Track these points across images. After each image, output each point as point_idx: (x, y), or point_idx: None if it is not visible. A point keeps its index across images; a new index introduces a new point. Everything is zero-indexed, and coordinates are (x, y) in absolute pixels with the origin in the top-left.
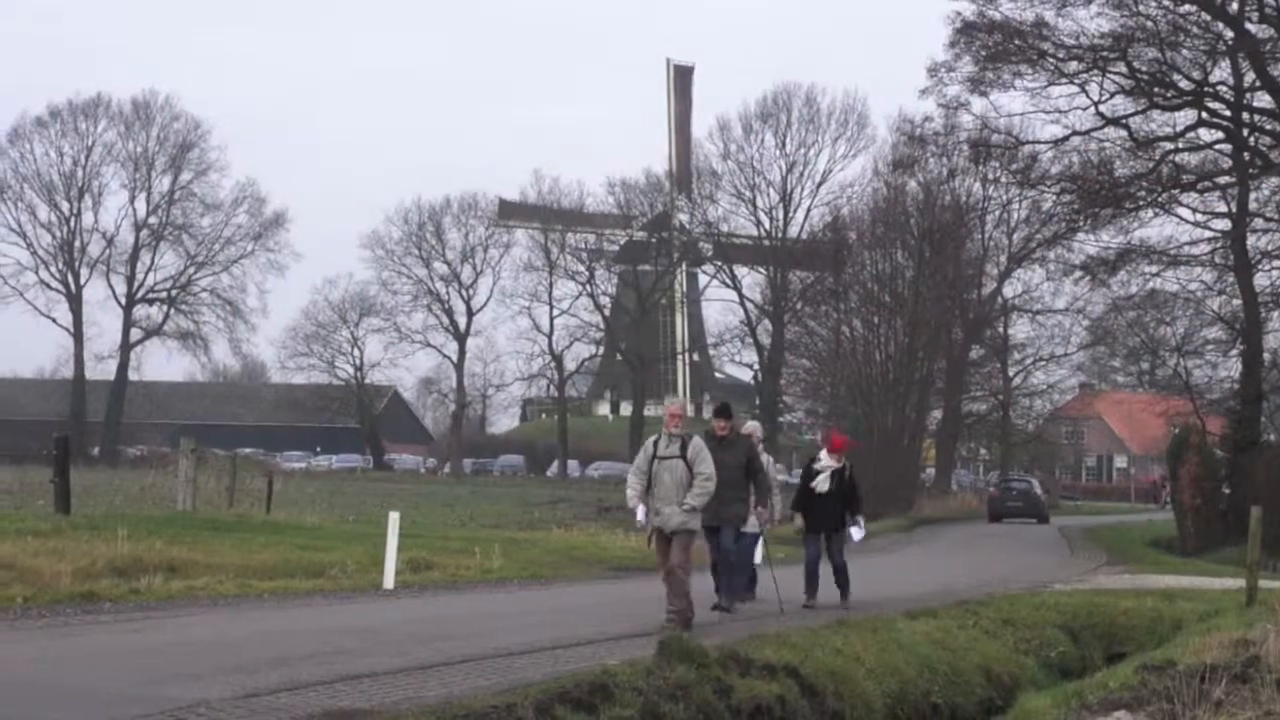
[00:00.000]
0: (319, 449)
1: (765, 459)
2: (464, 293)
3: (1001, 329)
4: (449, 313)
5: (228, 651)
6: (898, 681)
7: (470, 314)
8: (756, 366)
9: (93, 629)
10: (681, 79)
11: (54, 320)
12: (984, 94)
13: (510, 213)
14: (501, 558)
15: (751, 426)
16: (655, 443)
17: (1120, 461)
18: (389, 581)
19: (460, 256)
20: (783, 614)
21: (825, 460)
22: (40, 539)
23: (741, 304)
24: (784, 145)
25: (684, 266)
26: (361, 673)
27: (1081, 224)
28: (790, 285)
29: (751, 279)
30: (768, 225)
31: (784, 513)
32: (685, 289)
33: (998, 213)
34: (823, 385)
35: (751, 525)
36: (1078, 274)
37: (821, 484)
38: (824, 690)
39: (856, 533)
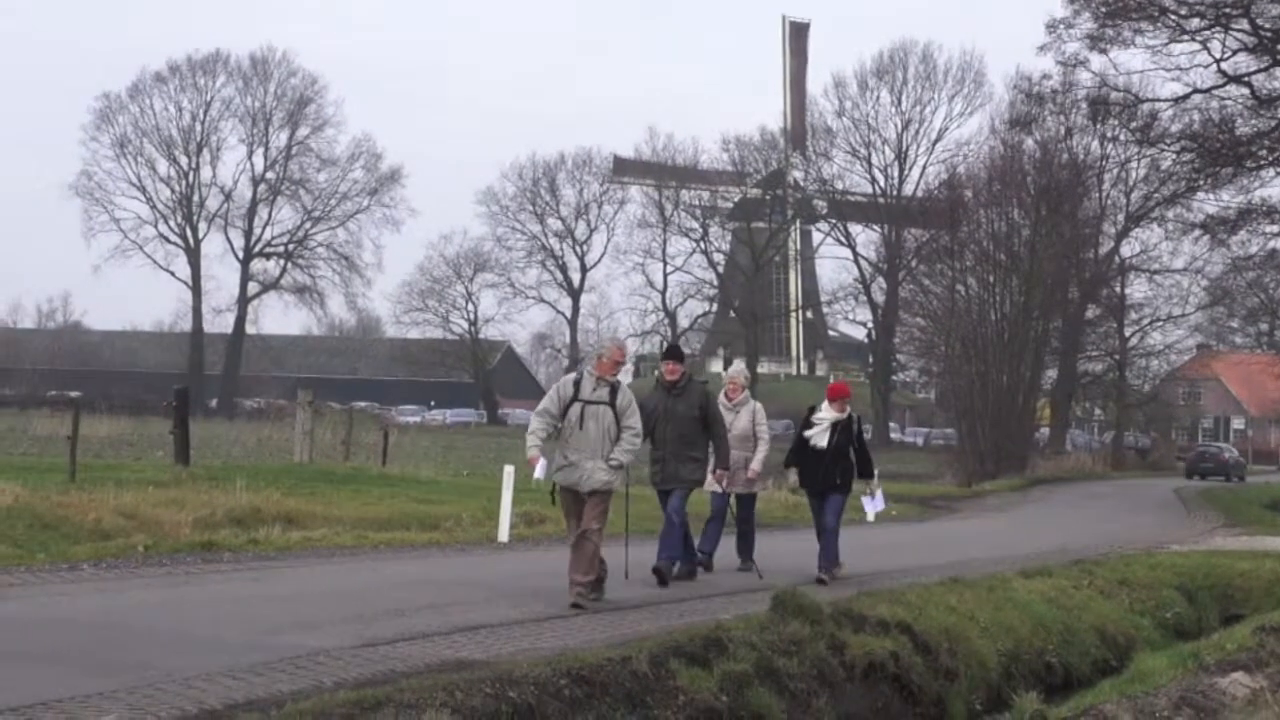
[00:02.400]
0: (433, 403)
1: (754, 407)
2: (578, 249)
3: (1118, 288)
4: (563, 269)
5: (345, 601)
6: (1012, 640)
7: (584, 270)
8: (870, 324)
9: (212, 578)
10: (797, 36)
11: (173, 274)
12: (1103, 51)
13: (625, 169)
14: (615, 512)
15: (736, 370)
16: (577, 383)
17: (1238, 423)
18: (504, 535)
19: (574, 213)
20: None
21: (825, 411)
22: (161, 489)
23: (855, 261)
24: (900, 103)
25: (798, 224)
26: (478, 624)
27: (1201, 183)
28: (905, 243)
29: (866, 236)
30: (882, 183)
31: (762, 472)
32: (799, 246)
33: (1116, 171)
34: (937, 344)
35: (711, 485)
36: (1196, 233)
37: (818, 438)
38: (938, 648)
39: (871, 505)
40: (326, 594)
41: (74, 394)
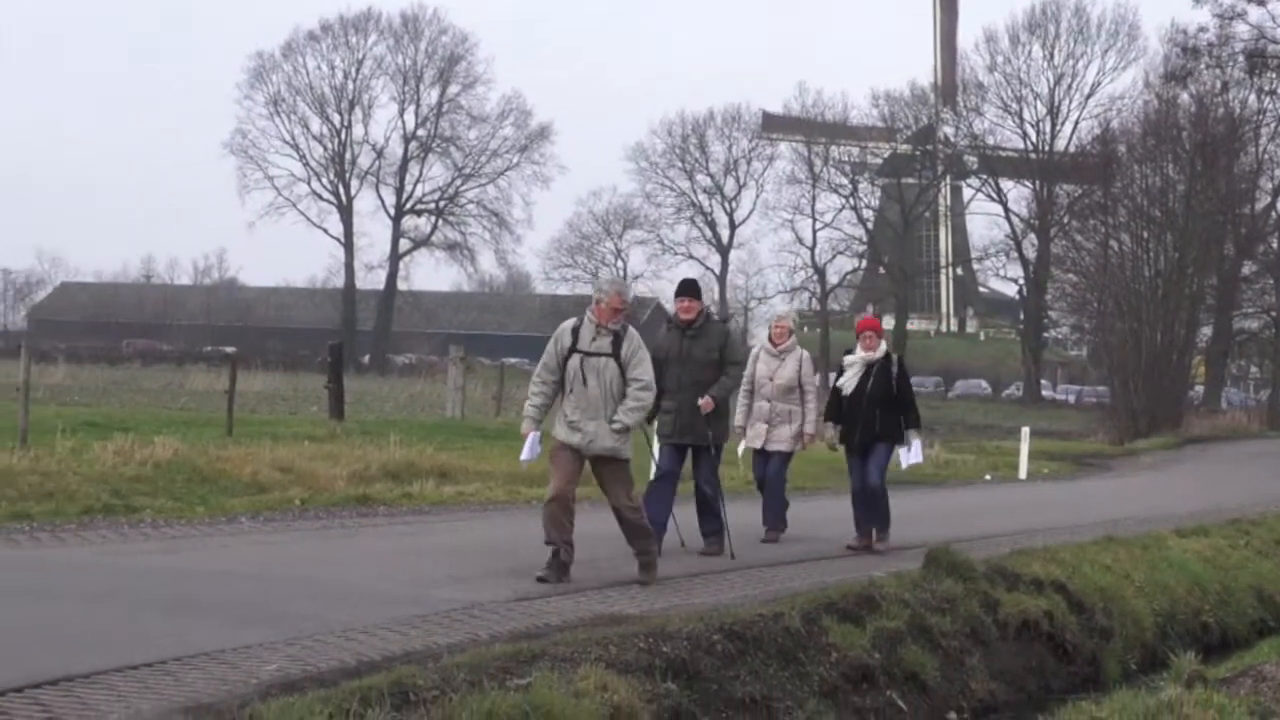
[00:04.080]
0: None
1: (801, 355)
2: (727, 205)
3: (1275, 244)
4: (712, 225)
5: (498, 556)
6: (1167, 599)
7: (733, 226)
8: (1021, 281)
9: (367, 531)
10: None
11: (325, 231)
12: (1261, 3)
13: (774, 125)
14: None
15: (784, 312)
16: (575, 331)
17: None
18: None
19: (723, 169)
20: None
21: (857, 353)
22: (316, 443)
23: (1006, 218)
24: (1052, 57)
25: (948, 180)
26: (630, 578)
27: None
28: (1057, 199)
29: (1017, 193)
30: (1034, 138)
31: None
32: (949, 202)
33: (1273, 125)
34: (1089, 301)
35: (752, 441)
36: None
37: (847, 383)
38: (1092, 607)
39: (906, 456)
40: (480, 548)
41: (229, 350)
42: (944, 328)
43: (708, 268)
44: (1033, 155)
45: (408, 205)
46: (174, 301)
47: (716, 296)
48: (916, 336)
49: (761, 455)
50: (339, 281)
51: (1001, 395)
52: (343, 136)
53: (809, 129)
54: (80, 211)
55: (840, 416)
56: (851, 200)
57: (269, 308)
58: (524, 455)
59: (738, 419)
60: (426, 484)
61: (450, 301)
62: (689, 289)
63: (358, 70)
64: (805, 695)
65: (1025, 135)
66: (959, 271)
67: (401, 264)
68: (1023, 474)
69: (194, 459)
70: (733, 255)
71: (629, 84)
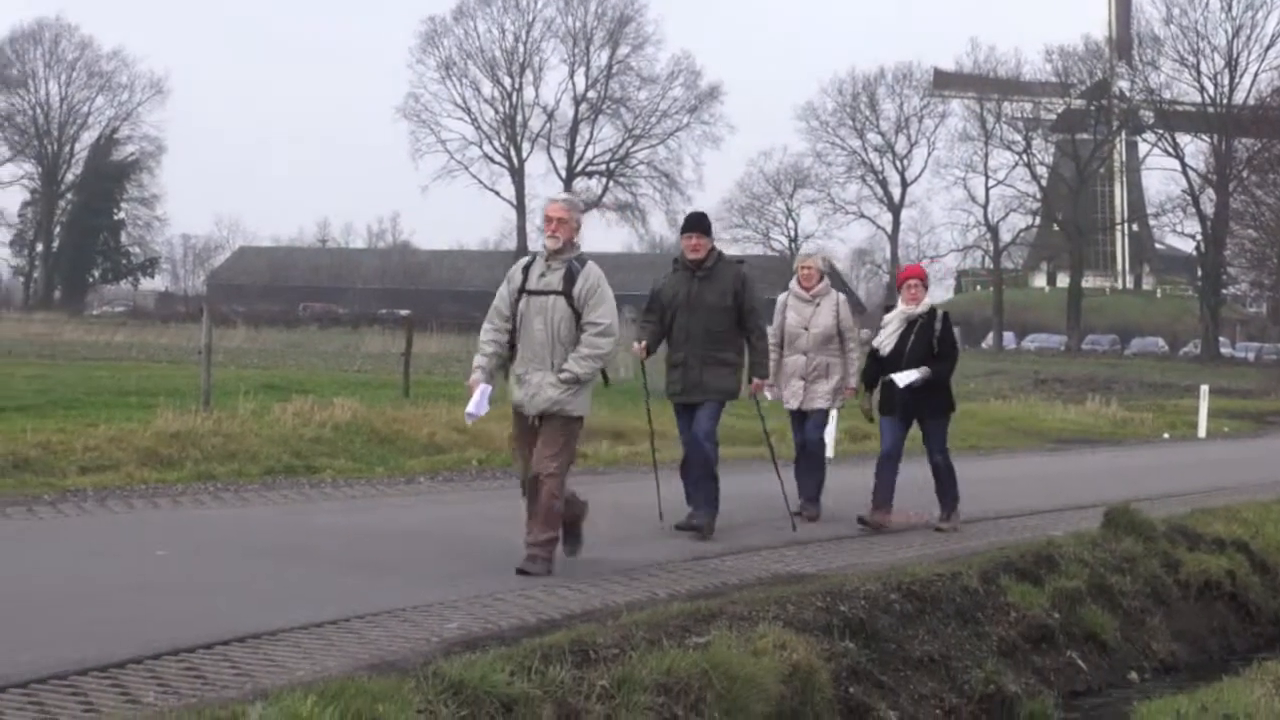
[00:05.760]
0: None
1: (837, 300)
2: (898, 163)
3: None
4: (883, 184)
5: (675, 515)
6: None
7: (904, 185)
8: (1199, 237)
9: None
10: None
11: (497, 193)
12: None
13: (945, 82)
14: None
15: (812, 250)
16: (526, 268)
17: None
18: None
19: (894, 127)
20: (796, 530)
21: (897, 307)
22: (491, 404)
23: (1184, 173)
24: (1230, 8)
25: (1123, 135)
26: (807, 539)
27: None
28: (1235, 153)
29: (1194, 147)
30: (1212, 91)
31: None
32: (1125, 158)
33: None
34: (1269, 256)
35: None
36: None
37: (885, 342)
38: (1276, 567)
39: (902, 377)
40: (652, 507)
41: (404, 312)
42: (1119, 285)
43: (879, 226)
44: (1210, 109)
45: (579, 167)
46: (349, 265)
47: (888, 255)
48: (1092, 294)
49: (800, 416)
50: (511, 244)
51: (1179, 353)
52: (514, 99)
53: (981, 85)
54: (257, 177)
55: (877, 378)
56: (1025, 157)
57: (442, 270)
58: (469, 409)
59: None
60: (600, 445)
61: (621, 263)
62: (697, 223)
63: (528, 33)
64: (984, 655)
65: (1203, 88)
66: (1134, 228)
67: None
68: (1202, 432)
69: (372, 420)
70: (904, 214)
71: (798, 43)
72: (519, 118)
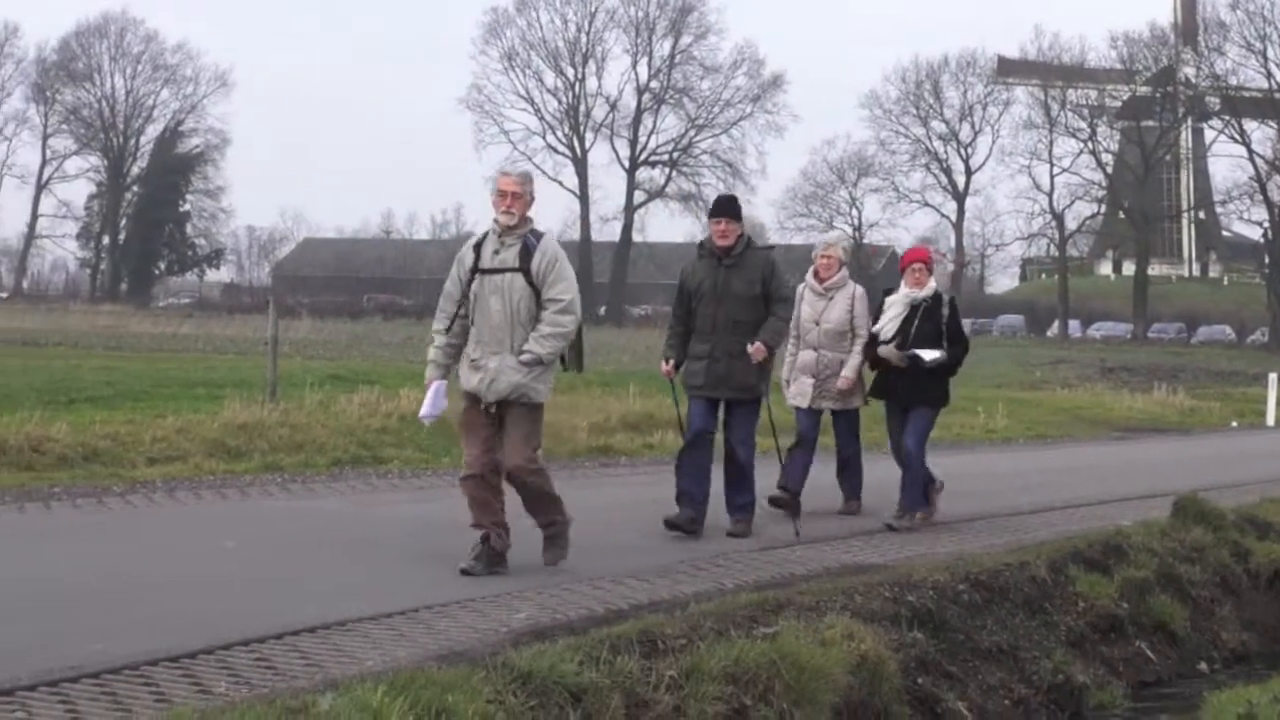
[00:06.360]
0: None
1: (854, 292)
2: (962, 151)
3: None
4: (947, 172)
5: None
6: None
7: (969, 173)
8: (1266, 224)
9: (610, 481)
10: None
11: (561, 184)
12: None
13: (1009, 70)
14: (1005, 417)
15: (832, 238)
16: (478, 246)
17: None
18: None
19: (958, 115)
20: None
21: (900, 291)
22: (556, 394)
23: (1251, 160)
24: None
25: (1189, 122)
26: (872, 529)
27: None
28: None
29: (1262, 133)
30: (1279, 77)
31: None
32: (1191, 145)
33: None
34: None
35: (794, 398)
36: None
37: (887, 327)
38: None
39: (930, 353)
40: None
41: None
42: (1186, 273)
43: (943, 215)
44: (1277, 95)
45: (642, 157)
46: (413, 256)
47: (953, 244)
48: (1158, 282)
49: (807, 414)
50: (575, 234)
51: (1246, 341)
52: (576, 90)
53: (1045, 72)
54: (321, 169)
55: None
56: (1090, 144)
57: None
58: (423, 411)
59: (784, 370)
60: (667, 435)
61: (685, 252)
62: (727, 207)
63: (590, 23)
64: (1052, 645)
65: (1270, 75)
66: (1201, 215)
67: (636, 215)
68: (1270, 421)
69: None
70: (969, 202)
71: (861, 31)
72: (582, 108)
